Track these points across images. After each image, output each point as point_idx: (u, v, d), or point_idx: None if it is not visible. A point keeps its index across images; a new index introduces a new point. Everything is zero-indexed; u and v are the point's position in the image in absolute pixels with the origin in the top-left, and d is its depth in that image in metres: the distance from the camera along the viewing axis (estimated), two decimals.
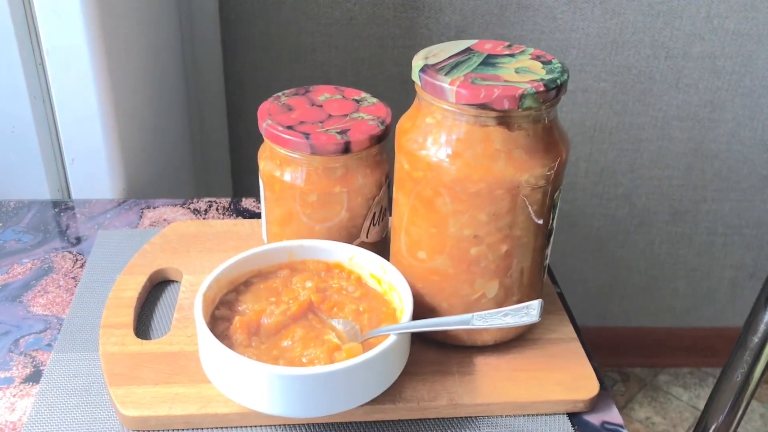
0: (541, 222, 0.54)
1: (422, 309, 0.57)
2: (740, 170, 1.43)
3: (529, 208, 0.52)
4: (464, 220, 0.52)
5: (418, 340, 0.58)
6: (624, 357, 1.68)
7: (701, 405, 1.60)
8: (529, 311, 0.48)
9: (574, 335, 0.61)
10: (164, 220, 0.75)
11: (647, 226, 1.50)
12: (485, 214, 0.52)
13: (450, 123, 0.51)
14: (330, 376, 0.48)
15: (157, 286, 0.66)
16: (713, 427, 0.68)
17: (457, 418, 0.54)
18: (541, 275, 0.59)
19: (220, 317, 0.55)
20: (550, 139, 0.52)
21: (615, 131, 1.37)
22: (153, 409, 0.52)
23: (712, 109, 1.35)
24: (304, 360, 0.51)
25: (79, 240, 0.71)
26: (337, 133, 0.58)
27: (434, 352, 0.58)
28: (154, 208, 0.77)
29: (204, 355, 0.52)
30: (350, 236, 0.62)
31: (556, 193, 0.54)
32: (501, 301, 0.56)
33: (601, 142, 1.39)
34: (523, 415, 0.55)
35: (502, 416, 0.55)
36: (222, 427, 0.53)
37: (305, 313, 0.55)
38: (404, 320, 0.53)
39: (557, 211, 0.56)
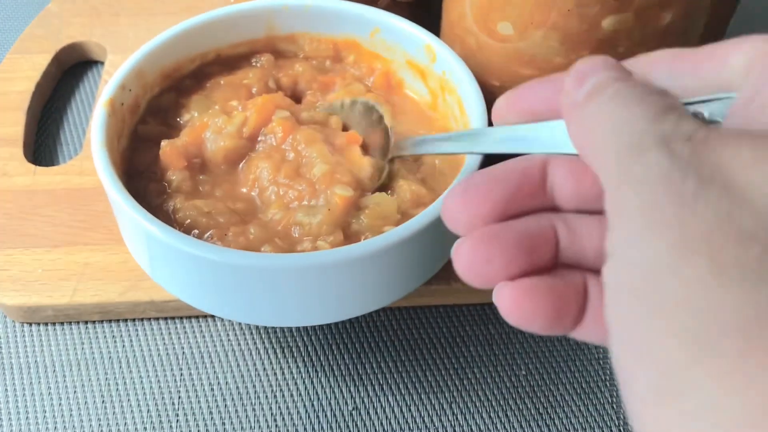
0: None
1: None
2: None
3: None
4: None
5: None
6: None
7: None
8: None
9: None
10: None
11: None
12: None
13: None
14: (350, 266, 0.26)
15: (69, 73, 0.45)
16: None
17: None
18: None
19: (147, 137, 0.32)
20: None
21: None
22: (48, 293, 0.32)
23: None
24: (301, 218, 0.28)
25: None
26: None
27: None
28: None
29: (117, 214, 0.29)
30: None
31: None
32: None
33: None
34: None
35: None
36: (165, 318, 0.33)
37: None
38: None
39: None
